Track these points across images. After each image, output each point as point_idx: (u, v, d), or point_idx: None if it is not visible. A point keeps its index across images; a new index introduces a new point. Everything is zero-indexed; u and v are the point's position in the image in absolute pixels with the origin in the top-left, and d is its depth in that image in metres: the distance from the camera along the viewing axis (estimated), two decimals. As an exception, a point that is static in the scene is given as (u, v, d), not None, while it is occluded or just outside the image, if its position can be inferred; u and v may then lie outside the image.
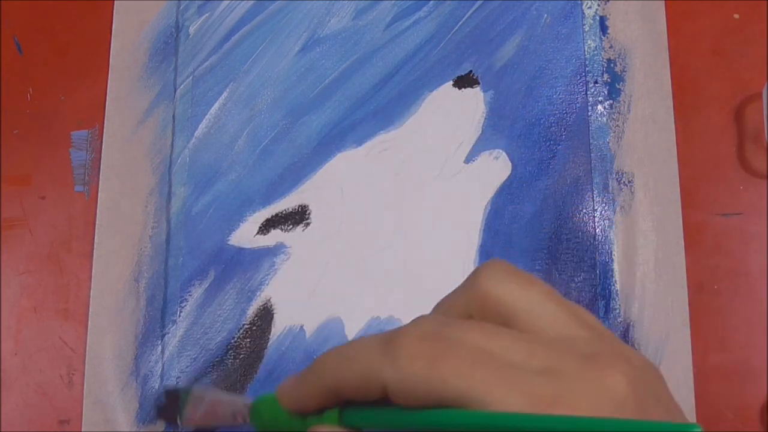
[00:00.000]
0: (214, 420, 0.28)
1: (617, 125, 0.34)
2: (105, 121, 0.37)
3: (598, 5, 0.36)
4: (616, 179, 0.34)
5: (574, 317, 0.20)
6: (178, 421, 0.29)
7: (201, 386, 0.30)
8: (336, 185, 0.35)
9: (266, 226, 0.35)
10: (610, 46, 0.35)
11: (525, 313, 0.20)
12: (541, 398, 0.17)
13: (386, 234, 0.34)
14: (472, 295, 0.21)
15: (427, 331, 0.20)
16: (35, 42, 0.38)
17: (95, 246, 0.35)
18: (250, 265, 0.34)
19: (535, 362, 0.18)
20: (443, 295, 0.33)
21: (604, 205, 0.34)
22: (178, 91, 0.37)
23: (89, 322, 0.34)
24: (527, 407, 0.17)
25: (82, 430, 0.33)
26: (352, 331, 0.33)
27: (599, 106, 0.35)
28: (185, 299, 0.34)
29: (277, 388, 0.24)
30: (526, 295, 0.20)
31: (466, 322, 0.20)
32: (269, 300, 0.34)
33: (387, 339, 0.20)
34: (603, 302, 0.33)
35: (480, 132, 0.35)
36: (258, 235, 0.35)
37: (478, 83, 0.36)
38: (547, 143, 0.35)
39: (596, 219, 0.34)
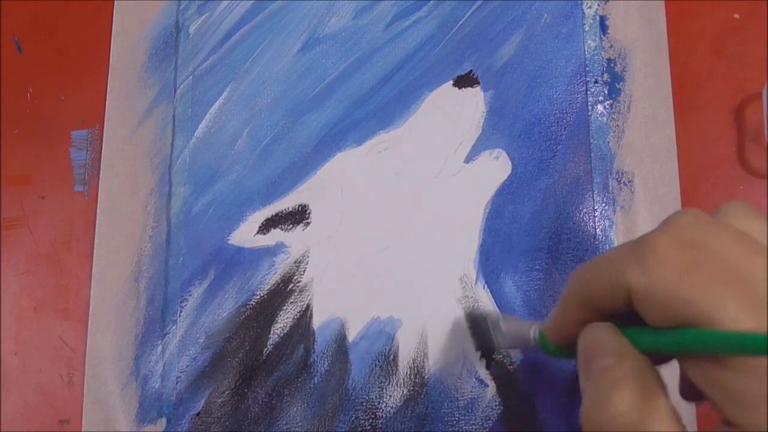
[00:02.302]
0: (517, 344, 0.29)
1: (617, 125, 0.34)
2: (105, 121, 0.37)
3: (599, 5, 0.36)
4: (616, 179, 0.34)
5: None
6: (494, 346, 0.31)
7: (496, 316, 0.31)
8: (336, 185, 0.35)
9: (266, 226, 0.35)
10: (611, 46, 0.35)
11: None
12: None
13: (386, 233, 0.34)
14: (722, 225, 0.19)
15: (684, 237, 0.18)
16: (35, 42, 0.38)
17: (95, 246, 0.35)
18: (250, 264, 0.34)
19: None
20: (443, 295, 0.33)
21: (604, 204, 0.34)
22: (178, 90, 0.37)
23: (89, 322, 0.34)
24: None
25: (82, 430, 0.33)
26: (352, 331, 0.33)
27: (599, 106, 0.35)
28: (185, 299, 0.34)
29: (543, 329, 0.24)
30: None
31: (730, 232, 0.18)
32: (269, 300, 0.34)
33: (640, 241, 0.19)
34: (603, 302, 0.33)
35: (480, 132, 0.35)
36: (258, 235, 0.35)
37: (478, 83, 0.36)
38: (548, 143, 0.35)
39: (596, 218, 0.34)
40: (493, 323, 0.30)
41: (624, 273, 0.19)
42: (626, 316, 0.20)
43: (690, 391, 0.21)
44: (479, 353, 0.32)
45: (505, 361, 0.33)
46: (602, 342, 0.20)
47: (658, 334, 0.19)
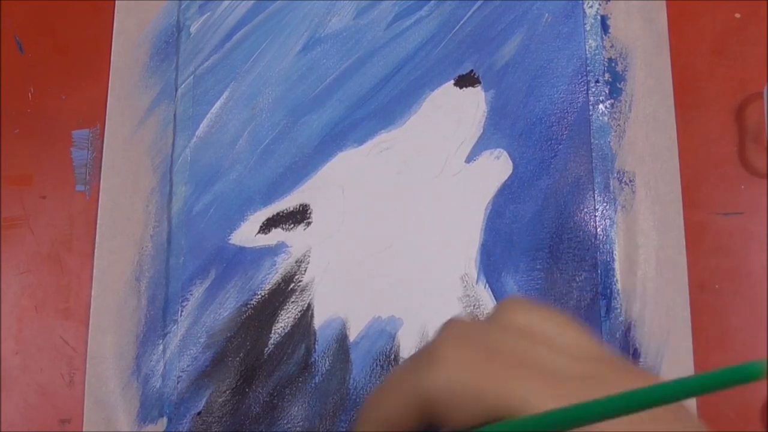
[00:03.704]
0: None
1: (618, 124, 0.34)
2: (106, 121, 0.37)
3: (599, 4, 0.36)
4: (618, 178, 0.34)
5: (596, 342, 0.20)
6: None
7: None
8: (337, 184, 0.35)
9: (267, 226, 0.35)
10: (612, 46, 0.35)
11: (555, 336, 0.19)
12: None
13: (387, 233, 0.34)
14: (500, 324, 0.20)
15: (464, 336, 0.19)
16: (36, 41, 0.38)
17: (96, 245, 0.35)
18: (251, 264, 0.34)
19: (577, 369, 0.18)
20: (444, 295, 0.33)
21: (605, 204, 0.34)
22: (179, 90, 0.37)
23: (90, 322, 0.34)
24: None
25: (83, 429, 0.33)
26: (353, 331, 0.33)
27: (600, 106, 0.35)
28: (186, 298, 0.34)
29: None
30: (552, 321, 0.20)
31: (505, 329, 0.19)
32: (270, 299, 0.34)
33: (421, 352, 0.19)
34: (604, 302, 0.33)
35: (481, 131, 0.35)
36: (259, 235, 0.35)
37: (479, 82, 0.36)
38: (549, 142, 0.35)
39: (597, 218, 0.34)
40: None
41: (418, 383, 0.18)
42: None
43: None
44: None
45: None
46: None
47: None
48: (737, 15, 0.35)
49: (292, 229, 0.35)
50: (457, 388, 0.18)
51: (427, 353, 0.19)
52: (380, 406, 0.20)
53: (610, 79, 0.35)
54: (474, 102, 0.35)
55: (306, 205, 0.35)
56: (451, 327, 0.20)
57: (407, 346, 0.33)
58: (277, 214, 0.35)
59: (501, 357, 0.18)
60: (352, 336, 0.33)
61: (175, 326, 0.34)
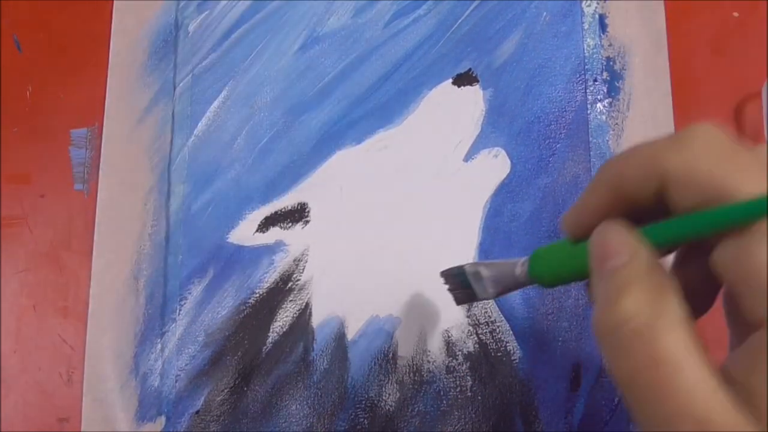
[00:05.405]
0: (503, 287, 0.26)
1: (616, 123, 0.34)
2: (104, 119, 0.37)
3: (598, 3, 0.36)
4: (616, 177, 0.34)
5: None
6: (477, 298, 0.28)
7: (473, 264, 0.28)
8: (335, 183, 0.35)
9: (265, 224, 0.35)
10: (610, 44, 0.35)
11: None
12: None
13: (385, 232, 0.34)
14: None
15: (720, 132, 0.19)
16: (35, 40, 0.38)
17: (94, 244, 0.35)
18: (249, 262, 0.34)
19: None
20: (442, 294, 0.33)
21: (603, 203, 0.34)
22: (177, 89, 0.37)
23: (89, 320, 0.34)
24: None
25: (82, 428, 0.33)
26: (351, 329, 0.33)
27: (599, 104, 0.35)
28: (185, 297, 0.34)
29: (561, 217, 0.23)
30: None
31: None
32: (268, 298, 0.34)
33: (682, 130, 0.19)
34: (602, 300, 0.33)
35: (479, 130, 0.35)
36: (257, 233, 0.35)
37: (478, 81, 0.36)
38: (547, 141, 0.35)
39: (595, 217, 0.34)
40: (473, 273, 0.27)
41: (662, 156, 0.19)
42: (646, 215, 0.20)
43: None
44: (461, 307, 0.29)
45: (504, 359, 0.33)
46: (614, 241, 0.20)
47: (688, 217, 0.18)
48: (735, 14, 0.35)
49: (290, 227, 0.35)
50: (698, 171, 0.18)
51: (683, 131, 0.19)
52: (621, 163, 0.20)
53: (608, 78, 0.35)
54: (472, 100, 0.35)
55: (304, 204, 0.35)
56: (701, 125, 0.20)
57: (405, 344, 0.33)
58: (276, 212, 0.35)
59: (748, 156, 0.18)
60: (350, 335, 0.33)
61: (173, 325, 0.34)
